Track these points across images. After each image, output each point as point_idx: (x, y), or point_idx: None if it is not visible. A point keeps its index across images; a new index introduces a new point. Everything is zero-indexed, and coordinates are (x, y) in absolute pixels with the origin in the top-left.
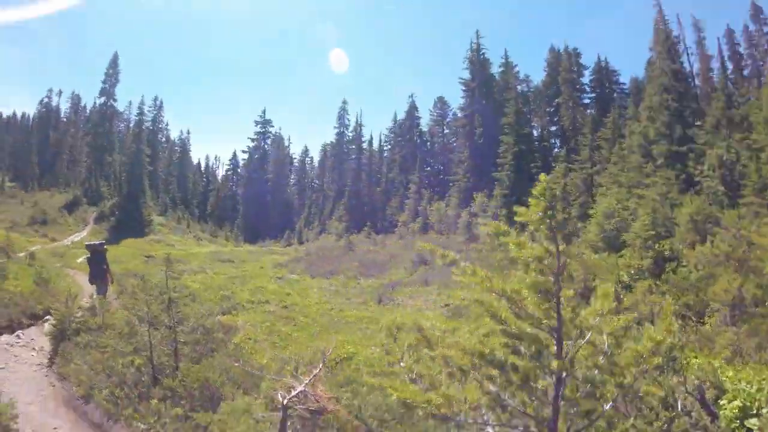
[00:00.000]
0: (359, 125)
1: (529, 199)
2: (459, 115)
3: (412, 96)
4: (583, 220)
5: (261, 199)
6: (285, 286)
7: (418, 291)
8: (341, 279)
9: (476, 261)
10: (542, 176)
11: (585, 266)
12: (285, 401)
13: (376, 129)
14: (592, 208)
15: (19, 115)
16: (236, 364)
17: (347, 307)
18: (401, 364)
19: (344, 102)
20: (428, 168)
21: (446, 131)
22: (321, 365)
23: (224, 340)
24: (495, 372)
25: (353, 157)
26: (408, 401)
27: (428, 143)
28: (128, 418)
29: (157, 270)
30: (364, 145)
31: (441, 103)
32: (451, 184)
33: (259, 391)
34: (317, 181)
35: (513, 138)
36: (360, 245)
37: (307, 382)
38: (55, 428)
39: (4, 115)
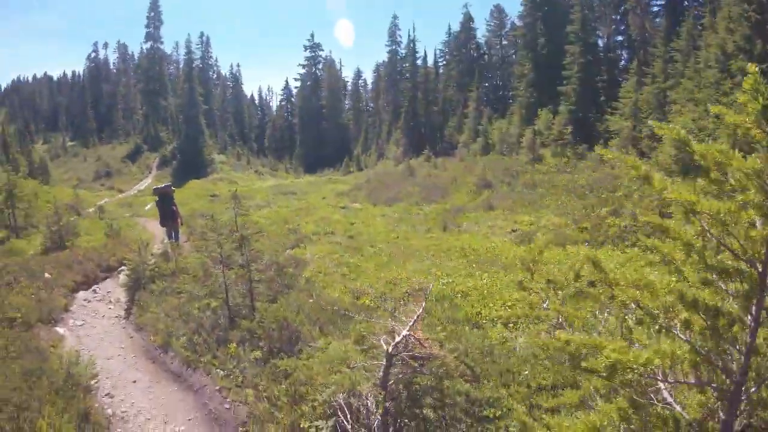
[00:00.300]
0: (412, 41)
1: (737, 96)
2: (518, 23)
3: (466, 6)
4: (655, 140)
5: (317, 128)
6: (349, 216)
7: (483, 216)
8: (403, 205)
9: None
10: (751, 66)
11: None
12: (390, 348)
13: (430, 45)
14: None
15: (69, 74)
16: (310, 300)
17: (412, 236)
18: (544, 305)
19: (394, 17)
20: (486, 84)
21: (504, 43)
22: (423, 306)
23: (295, 275)
24: (690, 316)
25: (407, 76)
26: (618, 363)
27: (485, 56)
28: (207, 365)
29: (222, 208)
30: (419, 62)
31: (498, 11)
32: (511, 100)
33: (350, 332)
34: (372, 104)
35: (580, 47)
36: (420, 169)
37: (411, 324)
38: (134, 381)
39: (55, 77)
